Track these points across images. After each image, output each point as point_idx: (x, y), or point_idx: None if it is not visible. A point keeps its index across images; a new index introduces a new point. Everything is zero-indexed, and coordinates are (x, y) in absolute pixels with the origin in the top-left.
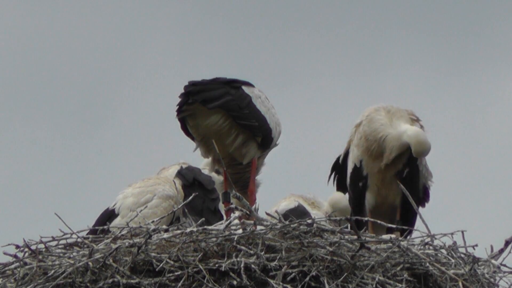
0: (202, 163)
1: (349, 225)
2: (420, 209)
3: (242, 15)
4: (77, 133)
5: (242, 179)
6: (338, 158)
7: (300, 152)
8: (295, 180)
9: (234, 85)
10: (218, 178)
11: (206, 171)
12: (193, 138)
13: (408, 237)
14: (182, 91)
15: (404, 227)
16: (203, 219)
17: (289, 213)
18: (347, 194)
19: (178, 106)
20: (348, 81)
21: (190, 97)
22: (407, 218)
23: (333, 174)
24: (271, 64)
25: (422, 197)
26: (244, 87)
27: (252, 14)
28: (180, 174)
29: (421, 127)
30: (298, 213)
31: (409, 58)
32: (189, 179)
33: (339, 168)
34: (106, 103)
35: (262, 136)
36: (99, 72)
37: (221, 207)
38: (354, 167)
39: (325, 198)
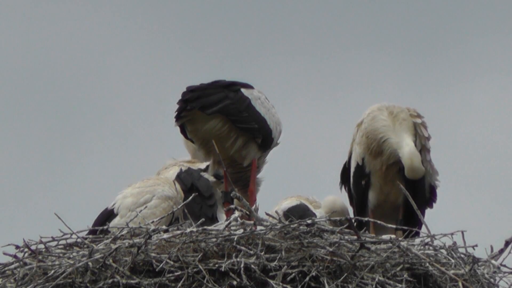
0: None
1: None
2: (426, 209)
3: (238, 15)
4: (76, 133)
5: (243, 178)
6: (345, 164)
7: (300, 152)
8: (295, 180)
9: (233, 88)
10: (212, 180)
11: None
12: (193, 142)
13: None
14: (182, 91)
15: (406, 228)
16: (203, 219)
17: (291, 210)
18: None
19: (176, 113)
20: (347, 82)
21: (189, 104)
22: (412, 218)
23: (343, 181)
24: (269, 64)
25: (429, 197)
26: (243, 90)
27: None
28: (179, 178)
29: (423, 123)
30: (300, 210)
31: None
32: (187, 185)
33: (347, 174)
34: (106, 103)
35: (262, 137)
36: (98, 71)
37: (221, 212)
38: (356, 166)
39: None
